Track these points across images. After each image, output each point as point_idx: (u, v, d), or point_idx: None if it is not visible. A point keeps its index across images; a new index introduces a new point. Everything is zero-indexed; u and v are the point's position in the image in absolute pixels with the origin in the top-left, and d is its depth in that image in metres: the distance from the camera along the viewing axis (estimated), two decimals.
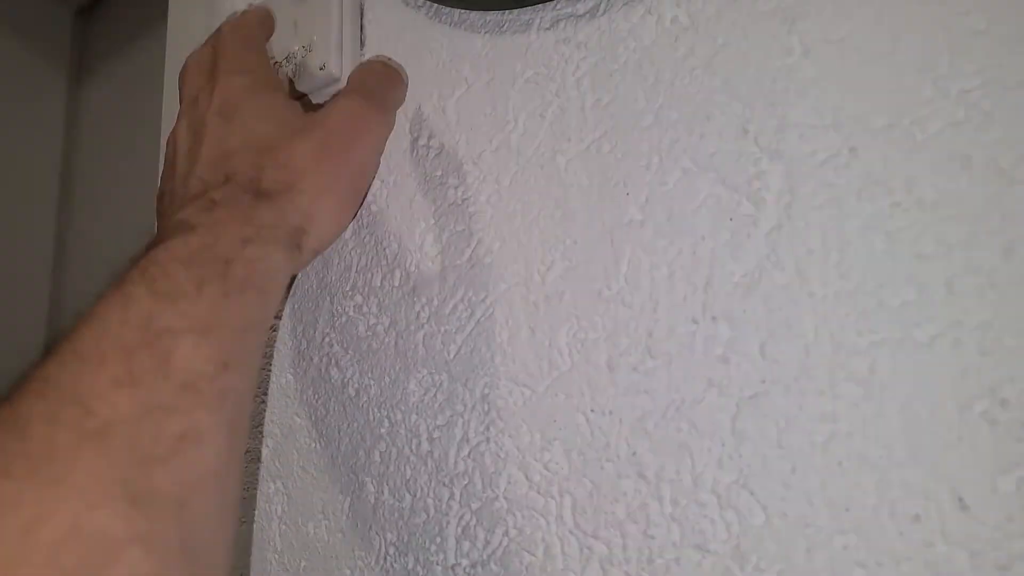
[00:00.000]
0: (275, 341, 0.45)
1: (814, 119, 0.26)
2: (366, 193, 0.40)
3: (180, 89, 0.39)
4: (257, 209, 0.32)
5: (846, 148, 0.25)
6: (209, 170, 0.34)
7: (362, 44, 0.42)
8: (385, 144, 0.39)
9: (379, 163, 0.39)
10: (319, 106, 0.42)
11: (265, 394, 0.45)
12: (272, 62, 0.43)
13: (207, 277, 0.29)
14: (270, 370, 0.45)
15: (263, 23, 0.41)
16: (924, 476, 0.22)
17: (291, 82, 0.43)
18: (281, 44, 0.43)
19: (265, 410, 0.45)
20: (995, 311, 0.22)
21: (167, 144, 0.38)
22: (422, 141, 0.38)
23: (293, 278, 0.41)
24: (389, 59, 0.40)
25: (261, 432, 0.45)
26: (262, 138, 0.35)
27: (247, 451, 0.45)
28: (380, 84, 0.39)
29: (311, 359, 0.42)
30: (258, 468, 0.44)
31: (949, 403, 0.22)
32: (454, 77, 0.37)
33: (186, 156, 0.36)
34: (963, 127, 0.23)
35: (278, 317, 0.45)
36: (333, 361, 0.41)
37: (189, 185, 0.35)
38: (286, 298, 0.44)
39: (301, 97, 0.43)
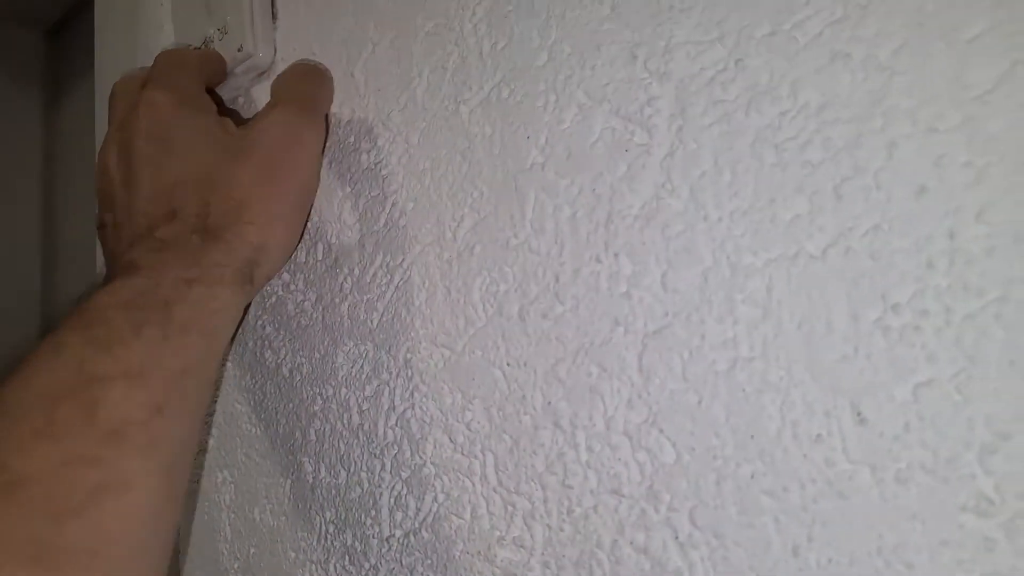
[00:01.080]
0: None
1: (700, 35, 0.25)
2: (312, 206, 0.38)
3: (109, 112, 0.37)
4: (204, 249, 0.32)
5: (732, 61, 0.24)
6: (152, 204, 0.34)
7: (274, 17, 0.40)
8: (323, 152, 0.37)
9: (320, 173, 0.37)
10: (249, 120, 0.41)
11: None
12: (191, 47, 0.42)
13: (147, 320, 0.29)
14: None
15: (202, 58, 0.39)
16: (824, 393, 0.21)
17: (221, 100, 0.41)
18: (196, 29, 0.42)
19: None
20: (882, 213, 0.20)
21: (97, 168, 0.36)
22: (334, 108, 0.37)
23: (248, 305, 0.40)
24: (312, 60, 0.38)
25: (207, 423, 0.44)
26: (201, 166, 0.34)
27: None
28: (307, 89, 0.37)
29: (247, 344, 0.41)
30: (204, 459, 0.43)
31: (843, 314, 0.21)
32: (360, 39, 0.36)
33: (123, 185, 0.35)
34: (842, 24, 0.22)
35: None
36: (267, 343, 0.40)
37: (134, 220, 0.34)
38: (240, 326, 0.42)
39: (230, 113, 0.42)
